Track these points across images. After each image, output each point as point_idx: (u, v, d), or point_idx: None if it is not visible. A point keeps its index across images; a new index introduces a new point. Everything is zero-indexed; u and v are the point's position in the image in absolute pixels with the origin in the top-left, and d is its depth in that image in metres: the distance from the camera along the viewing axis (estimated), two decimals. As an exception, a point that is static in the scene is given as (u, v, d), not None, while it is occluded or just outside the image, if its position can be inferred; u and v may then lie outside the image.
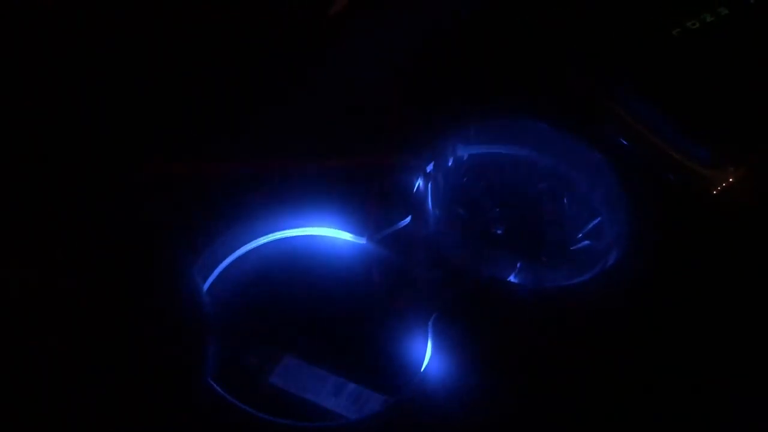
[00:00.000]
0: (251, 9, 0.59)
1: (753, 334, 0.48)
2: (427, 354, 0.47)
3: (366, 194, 0.52)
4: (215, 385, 0.43)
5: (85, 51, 0.56)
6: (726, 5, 0.59)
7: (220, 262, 0.50)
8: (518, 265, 0.50)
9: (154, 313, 0.45)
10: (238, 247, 0.50)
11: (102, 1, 0.58)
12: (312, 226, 0.52)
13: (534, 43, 0.59)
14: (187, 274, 0.46)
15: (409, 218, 0.52)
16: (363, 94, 0.57)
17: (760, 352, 0.47)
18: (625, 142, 0.55)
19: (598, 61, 0.58)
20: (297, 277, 0.50)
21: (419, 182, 0.53)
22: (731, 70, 0.56)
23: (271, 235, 0.51)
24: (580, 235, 0.54)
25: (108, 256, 0.47)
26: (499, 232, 0.54)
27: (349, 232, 0.52)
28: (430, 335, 0.47)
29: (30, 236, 0.47)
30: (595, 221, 0.53)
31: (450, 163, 0.55)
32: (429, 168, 0.54)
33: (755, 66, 0.56)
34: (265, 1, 0.59)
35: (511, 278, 0.50)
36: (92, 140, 0.52)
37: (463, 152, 0.56)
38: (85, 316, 0.44)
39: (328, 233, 0.52)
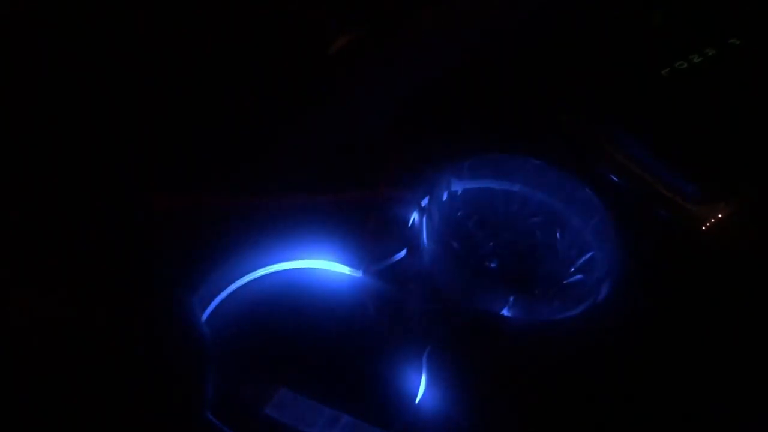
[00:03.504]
0: (251, 46, 0.60)
1: (743, 367, 0.48)
2: (421, 386, 0.47)
3: (362, 228, 0.52)
4: (212, 418, 0.44)
5: (93, 91, 0.57)
6: (713, 46, 0.60)
7: (217, 295, 0.50)
8: (511, 299, 0.50)
9: (152, 345, 0.45)
10: (235, 281, 0.51)
11: (110, 38, 0.59)
12: (309, 259, 0.53)
13: (527, 83, 0.61)
14: (186, 306, 0.47)
15: (404, 251, 0.53)
16: (360, 129, 0.59)
17: (751, 385, 0.48)
18: (615, 179, 0.56)
19: (590, 99, 0.59)
20: (293, 310, 0.50)
21: (414, 216, 0.54)
22: (718, 109, 0.58)
23: (267, 267, 0.52)
24: (573, 269, 0.54)
25: (107, 287, 0.47)
26: (493, 265, 0.55)
27: (345, 265, 0.52)
28: (424, 368, 0.48)
29: (28, 266, 0.48)
30: (587, 256, 0.54)
31: (444, 198, 0.56)
32: (424, 202, 0.55)
33: (742, 104, 0.58)
34: (265, 39, 0.61)
35: (504, 312, 0.51)
36: (93, 173, 0.53)
37: (458, 187, 0.57)
38: (83, 346, 0.44)
39: (325, 266, 0.53)
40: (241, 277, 0.51)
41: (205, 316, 0.49)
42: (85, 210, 0.51)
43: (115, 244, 0.49)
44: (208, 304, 0.50)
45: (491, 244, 0.56)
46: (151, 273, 0.48)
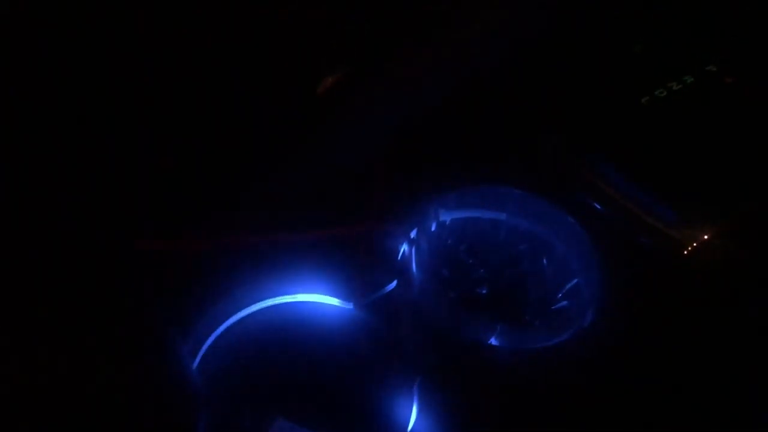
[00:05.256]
0: (239, 83, 0.62)
1: (727, 392, 0.49)
2: (412, 416, 0.48)
3: (352, 261, 0.54)
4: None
5: (81, 130, 0.58)
6: (691, 74, 0.61)
7: (212, 329, 0.51)
8: (498, 327, 0.51)
9: (144, 391, 0.45)
10: (228, 316, 0.52)
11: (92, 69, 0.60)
12: (300, 293, 0.54)
13: (509, 114, 0.62)
14: (176, 350, 0.48)
15: (394, 283, 0.54)
16: (348, 165, 0.60)
17: (736, 407, 0.49)
18: (598, 207, 0.57)
19: (571, 129, 0.60)
20: (286, 343, 0.51)
21: (404, 248, 0.55)
22: (697, 136, 0.59)
23: (260, 303, 0.53)
24: (560, 295, 0.55)
25: (96, 332, 0.46)
26: (483, 292, 0.56)
27: (336, 297, 0.54)
28: (415, 398, 0.49)
29: (16, 312, 0.46)
30: (572, 282, 0.55)
31: (433, 228, 0.58)
32: (413, 234, 0.56)
33: (720, 131, 0.59)
34: (253, 77, 0.62)
35: (492, 341, 0.52)
36: (80, 218, 0.54)
37: (446, 217, 0.58)
38: (74, 392, 0.44)
39: (316, 299, 0.54)
40: (233, 313, 0.52)
41: (198, 356, 0.50)
42: (71, 255, 0.50)
43: (103, 291, 0.48)
44: (201, 345, 0.51)
45: (480, 271, 0.57)
46: (139, 318, 0.48)
